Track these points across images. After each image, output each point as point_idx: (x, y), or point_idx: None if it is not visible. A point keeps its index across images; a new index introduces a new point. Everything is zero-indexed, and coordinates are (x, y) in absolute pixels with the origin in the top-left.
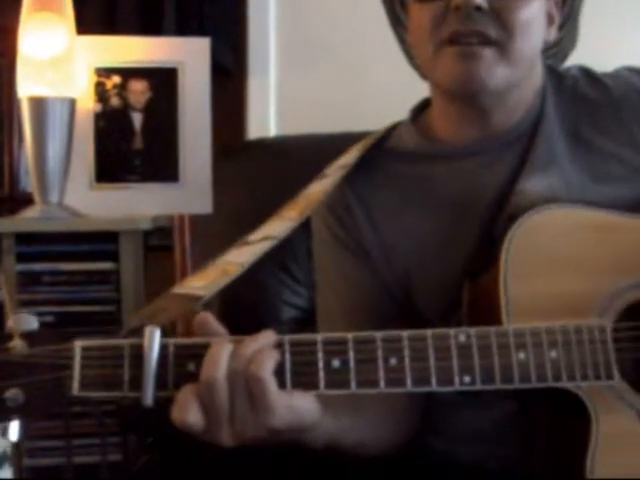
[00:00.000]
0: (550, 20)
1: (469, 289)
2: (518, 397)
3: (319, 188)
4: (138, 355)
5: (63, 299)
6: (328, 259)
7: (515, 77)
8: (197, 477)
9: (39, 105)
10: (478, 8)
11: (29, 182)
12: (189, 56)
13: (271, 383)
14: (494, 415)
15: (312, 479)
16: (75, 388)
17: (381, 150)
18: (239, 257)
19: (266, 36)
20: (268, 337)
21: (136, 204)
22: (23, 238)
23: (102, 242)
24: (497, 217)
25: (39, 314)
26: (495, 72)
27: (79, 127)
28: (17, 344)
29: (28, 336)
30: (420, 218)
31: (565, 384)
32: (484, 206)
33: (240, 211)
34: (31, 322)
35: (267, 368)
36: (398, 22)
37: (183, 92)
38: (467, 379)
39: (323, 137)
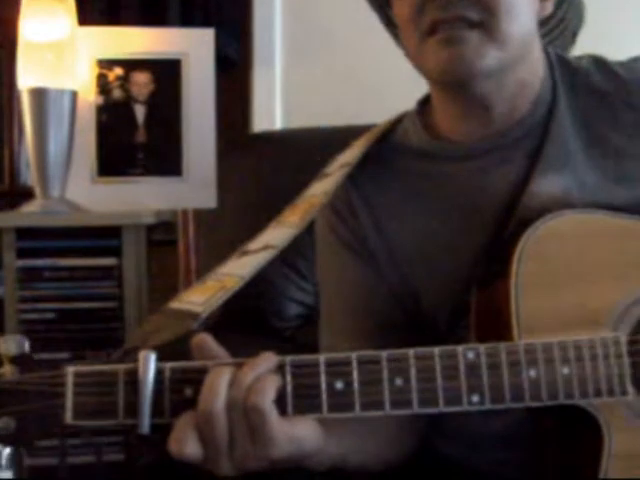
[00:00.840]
0: None
1: (477, 297)
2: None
3: (321, 189)
4: (133, 381)
5: (64, 295)
6: (331, 260)
7: (506, 59)
8: (202, 477)
9: (40, 97)
10: None
11: (29, 176)
12: (193, 47)
13: (271, 414)
14: (506, 420)
15: None
16: (68, 417)
17: (387, 144)
18: (238, 269)
19: (272, 27)
20: (268, 361)
21: (139, 198)
22: (23, 233)
23: (104, 237)
24: (507, 220)
25: (40, 311)
26: (483, 54)
27: (81, 120)
28: (7, 370)
29: (19, 360)
30: (426, 219)
31: (577, 401)
32: (493, 208)
33: (245, 206)
34: (21, 345)
35: (267, 398)
36: (389, 22)
37: (187, 84)
38: (475, 399)
39: (330, 130)
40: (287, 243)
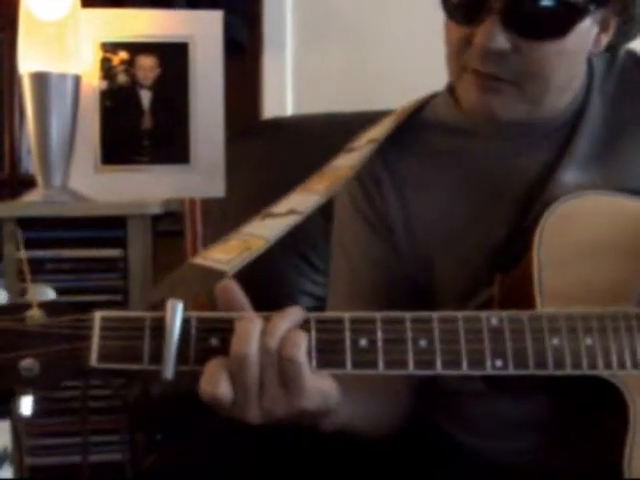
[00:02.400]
0: (604, 27)
1: (501, 282)
2: (548, 388)
3: (347, 162)
4: (159, 328)
5: (67, 288)
6: (347, 233)
7: (538, 110)
8: (207, 477)
9: (41, 82)
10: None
11: (31, 164)
12: (201, 30)
13: (306, 366)
14: (525, 407)
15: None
16: (93, 359)
17: (416, 121)
18: (263, 230)
19: (282, 9)
20: (297, 314)
21: (144, 187)
22: (25, 223)
23: (109, 228)
24: (532, 204)
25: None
26: (513, 108)
27: (84, 105)
28: (35, 313)
29: (46, 306)
30: (451, 195)
31: (601, 372)
32: (519, 191)
33: (254, 195)
34: (49, 293)
35: (302, 350)
36: None
37: (194, 69)
38: (499, 363)
39: (343, 116)
40: (312, 210)
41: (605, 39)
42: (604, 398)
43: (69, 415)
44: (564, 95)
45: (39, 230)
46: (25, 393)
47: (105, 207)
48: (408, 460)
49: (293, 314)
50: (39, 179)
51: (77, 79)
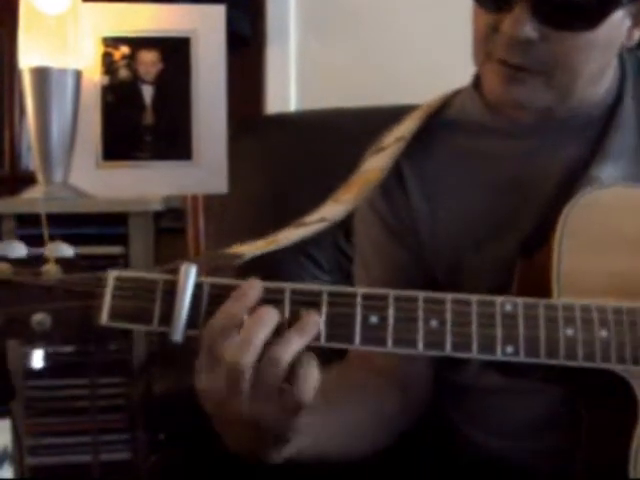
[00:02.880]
0: (637, 21)
1: (521, 267)
2: (562, 382)
3: (377, 164)
4: (171, 291)
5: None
6: (365, 238)
7: (566, 102)
8: (212, 478)
9: (42, 77)
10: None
11: (31, 160)
12: (203, 24)
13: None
14: (540, 403)
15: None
16: (104, 318)
17: (442, 120)
18: (291, 234)
19: (286, 2)
20: (314, 326)
21: (146, 184)
22: (24, 220)
23: (110, 224)
24: (563, 202)
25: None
26: (539, 97)
27: (85, 101)
28: (51, 268)
29: (63, 263)
30: (477, 195)
31: (614, 366)
32: (550, 189)
33: (258, 191)
34: (67, 250)
35: (311, 385)
36: None
37: (197, 63)
38: (510, 349)
39: (348, 111)
40: (341, 218)
41: (638, 33)
42: (615, 394)
43: (71, 414)
44: (594, 88)
45: (39, 227)
46: (37, 347)
47: (106, 204)
48: (419, 457)
49: (310, 326)
50: (39, 175)
51: (78, 74)
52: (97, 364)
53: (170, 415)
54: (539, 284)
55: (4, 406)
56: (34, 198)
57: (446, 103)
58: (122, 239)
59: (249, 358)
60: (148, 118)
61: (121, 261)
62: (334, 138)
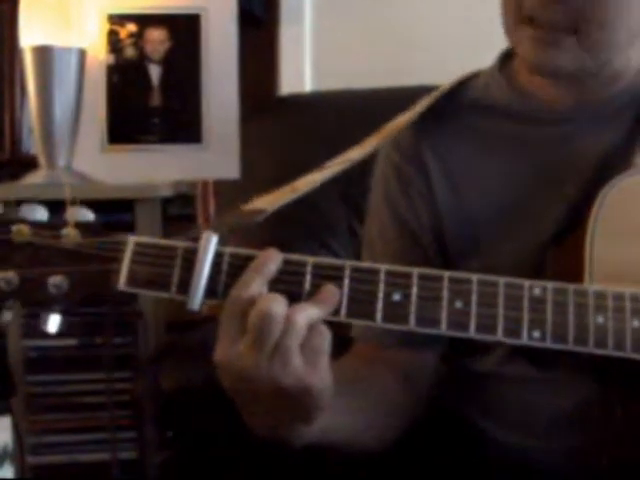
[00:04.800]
0: None
1: (553, 254)
2: (597, 373)
3: (404, 118)
4: (191, 259)
5: None
6: (375, 225)
7: (601, 62)
8: (221, 477)
9: (44, 56)
10: None
11: (32, 144)
12: (214, 1)
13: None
14: (569, 397)
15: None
16: (122, 282)
17: (461, 101)
18: (312, 177)
19: None
20: (333, 303)
21: (154, 168)
22: None
23: (116, 211)
24: (597, 189)
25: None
26: (574, 60)
27: (89, 81)
28: (70, 232)
29: (83, 227)
30: (503, 182)
31: None
32: (581, 177)
33: (271, 176)
34: (87, 215)
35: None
36: None
37: (207, 42)
38: (537, 334)
39: (364, 93)
40: (360, 158)
41: None
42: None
43: (75, 410)
44: (628, 52)
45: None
46: (52, 310)
47: (112, 190)
48: (430, 453)
49: (328, 299)
50: (41, 160)
51: (82, 53)
52: (103, 358)
53: (179, 412)
54: (571, 270)
55: (4, 402)
56: (36, 183)
57: (464, 85)
58: (128, 227)
59: (278, 312)
60: (156, 99)
61: None
62: (351, 120)
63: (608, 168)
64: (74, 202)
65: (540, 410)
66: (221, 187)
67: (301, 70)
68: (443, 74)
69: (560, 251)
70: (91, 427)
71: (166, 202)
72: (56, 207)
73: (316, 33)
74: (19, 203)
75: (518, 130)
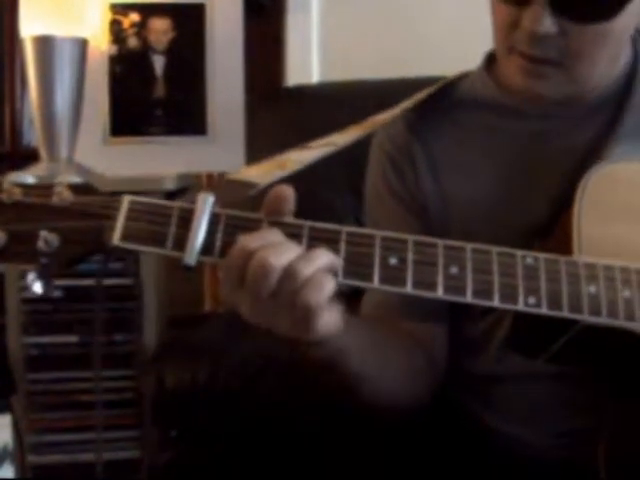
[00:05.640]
0: None
1: (538, 248)
2: (589, 368)
3: (386, 114)
4: (187, 218)
5: (72, 271)
6: (380, 212)
7: (586, 89)
8: (225, 477)
9: (45, 46)
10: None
11: (34, 136)
12: None
13: (323, 310)
14: (563, 388)
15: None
16: (116, 237)
17: (451, 98)
18: (299, 156)
19: None
20: (327, 258)
21: (157, 161)
22: None
23: None
24: (576, 182)
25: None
26: (559, 90)
27: (91, 72)
28: (63, 191)
29: (76, 188)
30: (490, 175)
31: (638, 326)
32: (563, 169)
33: None
34: (79, 179)
35: (325, 294)
36: None
37: (212, 31)
38: (532, 300)
39: (371, 84)
40: (349, 144)
41: None
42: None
43: (76, 409)
44: (611, 71)
45: None
46: (39, 272)
47: (114, 183)
48: (433, 445)
49: (322, 256)
50: (43, 152)
51: (84, 43)
52: (103, 355)
53: (182, 410)
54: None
55: (4, 400)
56: (37, 176)
57: (455, 83)
58: None
59: (265, 289)
60: (159, 90)
61: None
62: (358, 111)
63: (586, 161)
64: None
65: (530, 403)
66: None
67: (308, 60)
68: (453, 65)
69: (547, 244)
70: (92, 426)
71: (170, 195)
72: None
73: (323, 22)
74: None
75: (502, 123)
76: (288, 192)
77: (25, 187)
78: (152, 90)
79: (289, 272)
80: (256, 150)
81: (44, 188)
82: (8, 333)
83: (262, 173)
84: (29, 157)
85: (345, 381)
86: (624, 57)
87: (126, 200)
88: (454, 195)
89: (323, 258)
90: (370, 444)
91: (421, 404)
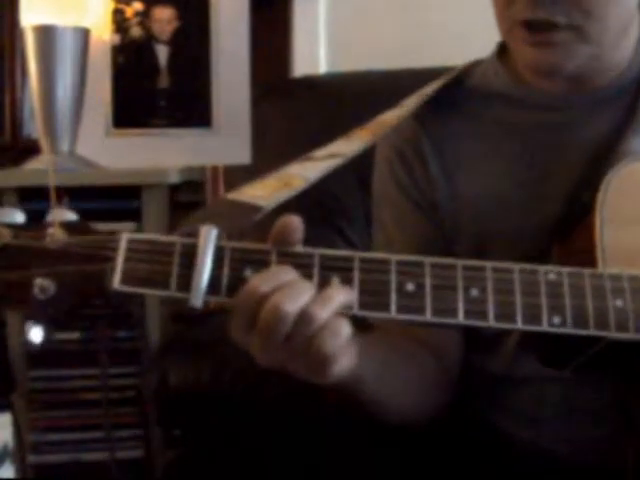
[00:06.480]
0: None
1: (559, 251)
2: (606, 372)
3: (393, 115)
4: (191, 254)
5: None
6: (386, 207)
7: (598, 52)
8: (231, 477)
9: (46, 36)
10: None
11: (34, 127)
12: None
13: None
14: (584, 393)
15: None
16: (116, 281)
17: (462, 89)
18: (303, 171)
19: None
20: (343, 297)
21: (161, 153)
22: (27, 193)
23: (121, 198)
24: (592, 176)
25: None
26: (572, 55)
27: (93, 62)
28: (56, 232)
29: (68, 227)
30: (502, 170)
31: None
32: (578, 163)
33: (283, 161)
34: (71, 216)
35: (343, 339)
36: None
37: (217, 21)
38: (557, 320)
39: (380, 74)
40: (355, 154)
41: None
42: None
43: (77, 408)
44: (623, 41)
45: (43, 201)
46: (36, 319)
47: (117, 176)
48: (451, 453)
49: (341, 294)
50: (44, 144)
51: (86, 33)
52: (107, 352)
53: (187, 409)
54: (582, 259)
55: (4, 399)
56: (38, 169)
57: (465, 73)
58: (134, 214)
59: (278, 335)
60: (163, 81)
61: None
62: (367, 102)
63: (603, 155)
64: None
65: (544, 407)
66: (232, 173)
67: (315, 50)
68: (466, 55)
69: (565, 248)
70: (95, 425)
71: (174, 189)
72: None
73: (331, 11)
74: (21, 190)
75: (515, 116)
76: (296, 222)
77: (14, 228)
78: (156, 81)
79: (304, 318)
80: (262, 142)
81: (35, 229)
82: (8, 329)
83: (266, 193)
84: (29, 149)
85: (357, 404)
86: (635, 36)
87: (124, 238)
88: (465, 193)
89: (339, 298)
90: (378, 446)
91: (435, 414)
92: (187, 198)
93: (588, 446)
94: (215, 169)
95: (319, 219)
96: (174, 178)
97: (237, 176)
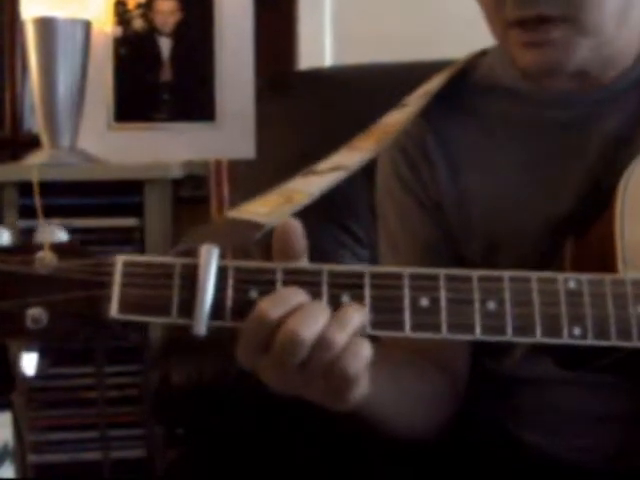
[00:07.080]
0: None
1: (572, 245)
2: (620, 374)
3: (398, 117)
4: (191, 276)
5: None
6: (390, 206)
7: (600, 42)
8: (234, 477)
9: (47, 28)
10: None
11: (35, 122)
12: None
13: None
14: (604, 398)
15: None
16: (113, 309)
17: (468, 82)
18: (306, 186)
19: None
20: (359, 318)
21: (164, 148)
22: (27, 188)
23: (123, 193)
24: (606, 172)
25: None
26: (572, 50)
27: (95, 55)
28: (46, 256)
29: (59, 249)
30: (510, 169)
31: None
32: (591, 159)
33: (288, 156)
34: (61, 235)
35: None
36: None
37: (220, 13)
38: (577, 331)
39: (388, 67)
40: (359, 166)
41: None
42: None
43: (78, 407)
44: (624, 28)
45: (44, 196)
46: (29, 349)
47: (119, 170)
48: (459, 455)
49: (359, 314)
50: (44, 139)
51: (87, 25)
52: (108, 350)
53: (189, 408)
54: (599, 259)
55: (4, 398)
56: (38, 164)
57: (471, 64)
58: (137, 209)
59: (294, 361)
60: (166, 74)
61: (136, 234)
62: (372, 96)
63: (618, 149)
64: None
65: (564, 411)
66: (235, 168)
67: (321, 42)
68: (471, 46)
69: (580, 242)
70: (96, 424)
71: (177, 183)
72: (60, 189)
73: (337, 2)
74: (21, 185)
75: (524, 111)
76: (295, 226)
77: (1, 252)
78: (158, 74)
79: (322, 343)
80: (266, 137)
81: (23, 252)
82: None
83: (268, 210)
84: (30, 144)
85: (368, 424)
86: (638, 23)
87: (120, 262)
88: (474, 192)
89: (356, 319)
90: (385, 450)
91: (443, 426)
92: (190, 193)
93: (600, 455)
94: (219, 163)
95: (324, 216)
96: (177, 173)
97: (241, 171)
